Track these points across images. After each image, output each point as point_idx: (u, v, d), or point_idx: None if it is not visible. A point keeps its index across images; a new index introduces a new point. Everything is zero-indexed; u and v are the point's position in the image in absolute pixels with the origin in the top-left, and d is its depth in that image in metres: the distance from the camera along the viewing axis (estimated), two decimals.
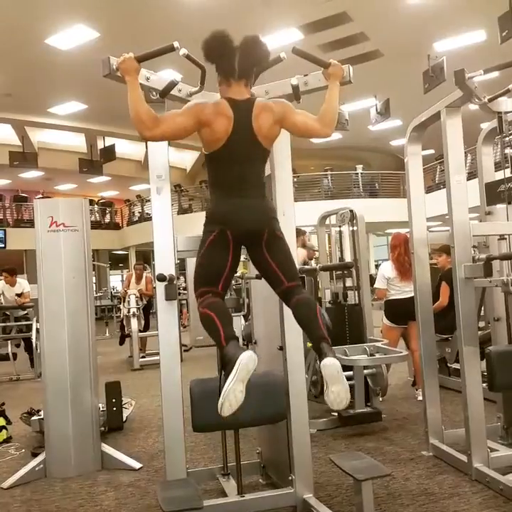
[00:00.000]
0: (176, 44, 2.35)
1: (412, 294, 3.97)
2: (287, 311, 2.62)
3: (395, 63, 12.35)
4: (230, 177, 2.40)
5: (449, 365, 5.47)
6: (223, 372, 2.12)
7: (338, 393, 2.12)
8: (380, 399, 4.72)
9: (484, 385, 3.24)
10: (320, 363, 2.17)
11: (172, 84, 2.65)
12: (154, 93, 2.69)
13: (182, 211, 19.48)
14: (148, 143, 2.73)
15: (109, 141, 16.09)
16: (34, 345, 7.29)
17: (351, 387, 4.44)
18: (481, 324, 5.21)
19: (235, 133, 2.34)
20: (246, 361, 2.04)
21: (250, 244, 2.44)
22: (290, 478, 2.89)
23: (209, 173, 2.48)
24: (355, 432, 4.27)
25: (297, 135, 2.56)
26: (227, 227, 2.35)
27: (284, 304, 2.61)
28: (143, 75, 2.55)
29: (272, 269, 2.42)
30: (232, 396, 2.02)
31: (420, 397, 4.50)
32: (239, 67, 2.40)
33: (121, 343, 9.35)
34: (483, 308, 5.19)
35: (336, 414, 4.47)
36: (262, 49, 2.44)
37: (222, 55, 2.38)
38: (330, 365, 2.12)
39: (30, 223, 16.51)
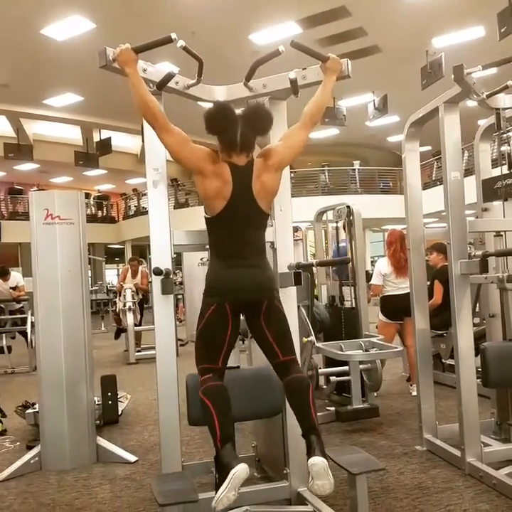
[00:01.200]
0: (173, 35, 2.34)
1: (408, 291, 3.98)
2: (285, 308, 2.61)
3: (393, 59, 12.32)
4: (230, 243, 2.42)
5: (443, 361, 5.49)
6: (217, 475, 2.24)
7: (322, 486, 2.21)
8: (375, 394, 4.74)
9: (478, 381, 3.26)
10: (308, 456, 2.24)
11: (169, 77, 2.64)
12: (151, 85, 2.67)
13: (178, 206, 19.44)
14: (146, 135, 2.73)
15: (105, 134, 16.00)
16: (29, 338, 7.28)
17: (348, 383, 4.46)
18: (476, 320, 5.22)
19: (235, 198, 2.36)
20: (239, 474, 2.15)
21: (248, 314, 2.47)
22: (285, 471, 2.90)
23: (210, 239, 2.52)
24: (350, 426, 4.29)
25: (299, 153, 2.58)
26: (226, 299, 2.38)
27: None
28: (140, 66, 2.53)
29: (268, 341, 2.44)
30: (225, 500, 2.15)
31: (415, 393, 4.52)
32: (241, 140, 2.38)
33: (117, 337, 9.35)
34: (478, 305, 5.21)
35: (331, 409, 4.49)
36: (266, 120, 2.43)
37: (224, 129, 2.37)
38: (317, 463, 2.19)
39: (25, 216, 16.55)
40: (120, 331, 9.18)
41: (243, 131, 2.37)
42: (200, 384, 2.39)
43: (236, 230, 2.40)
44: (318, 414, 4.40)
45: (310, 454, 2.23)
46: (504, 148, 3.82)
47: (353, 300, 5.05)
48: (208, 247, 2.59)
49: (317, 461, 2.19)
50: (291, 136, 2.55)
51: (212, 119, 2.36)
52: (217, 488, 2.19)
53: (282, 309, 2.50)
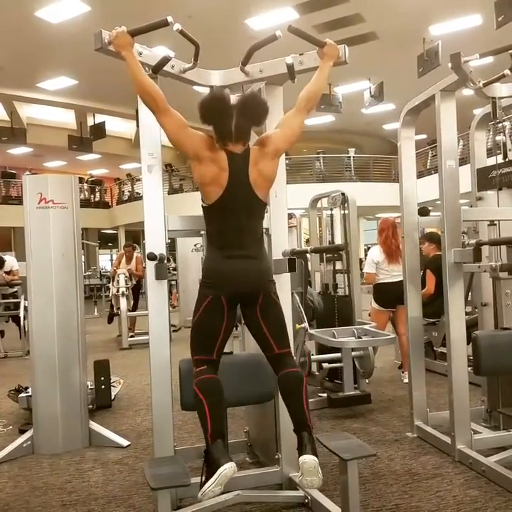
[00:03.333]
0: (169, 19, 2.31)
1: (401, 278, 4.00)
2: (279, 295, 2.61)
3: (390, 46, 12.25)
4: (227, 232, 2.40)
5: (435, 348, 5.53)
6: (205, 469, 2.28)
7: (311, 482, 2.24)
8: (367, 381, 4.78)
9: (469, 369, 3.28)
10: (299, 453, 2.26)
11: (165, 60, 2.61)
12: (147, 69, 2.64)
13: (173, 191, 19.36)
14: (140, 119, 2.71)
15: (99, 118, 15.87)
16: (22, 323, 7.26)
17: (340, 369, 4.49)
18: (468, 309, 5.26)
19: (231, 185, 2.34)
20: (226, 472, 2.16)
21: (244, 305, 2.46)
22: (276, 456, 2.93)
23: (207, 227, 2.50)
24: (342, 413, 4.32)
25: (296, 141, 2.57)
26: (222, 292, 2.37)
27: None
28: (135, 49, 2.49)
29: (264, 333, 2.44)
30: (211, 494, 2.18)
31: (406, 380, 4.55)
32: (236, 130, 2.35)
33: (110, 321, 9.36)
34: (470, 293, 5.24)
35: (323, 395, 4.52)
36: (261, 109, 2.41)
37: (219, 119, 2.34)
38: (308, 461, 2.22)
39: (19, 200, 16.44)
40: (113, 315, 9.18)
41: (238, 120, 2.34)
42: (194, 376, 2.39)
43: (233, 218, 2.39)
44: (310, 400, 4.45)
45: (301, 451, 2.25)
46: (499, 137, 3.82)
47: (346, 288, 5.07)
48: (202, 233, 2.57)
49: (308, 459, 2.21)
50: (287, 123, 2.53)
51: (207, 109, 2.34)
52: (204, 479, 2.22)
53: (278, 302, 2.49)
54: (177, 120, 2.38)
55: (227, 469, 2.16)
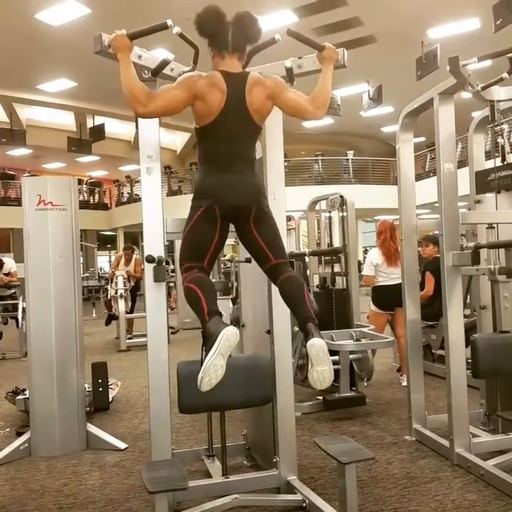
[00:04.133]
0: (169, 22, 2.31)
1: (400, 281, 4.00)
2: (275, 295, 2.62)
3: (388, 49, 12.27)
4: (221, 151, 2.37)
5: (434, 351, 5.53)
6: (204, 347, 2.11)
7: (321, 373, 2.14)
8: (365, 384, 4.77)
9: (468, 372, 3.28)
10: (306, 342, 2.18)
11: (164, 63, 2.61)
12: (146, 72, 2.65)
13: (171, 193, 19.36)
14: (139, 121, 2.70)
15: (98, 120, 15.86)
16: (20, 324, 7.25)
17: (337, 371, 4.49)
18: (467, 312, 5.26)
19: (228, 106, 2.32)
20: (228, 336, 2.03)
21: (238, 220, 2.43)
22: (274, 460, 2.91)
23: (199, 147, 2.46)
24: (340, 416, 4.31)
25: (288, 113, 2.53)
26: (215, 202, 2.34)
27: (273, 287, 2.60)
28: (135, 52, 2.50)
29: (260, 245, 2.41)
30: (212, 370, 2.01)
31: (404, 383, 4.54)
32: (232, 40, 2.38)
33: (107, 323, 9.35)
34: (469, 296, 5.24)
35: (320, 398, 4.52)
36: (255, 24, 2.43)
37: (215, 29, 2.36)
38: (316, 344, 2.14)
39: (17, 202, 16.41)
40: (111, 317, 9.16)
41: (234, 32, 2.37)
42: (183, 278, 2.32)
43: (227, 137, 2.36)
44: (307, 403, 4.45)
45: (308, 338, 2.18)
46: (498, 140, 3.82)
47: (344, 281, 5.06)
48: (198, 157, 2.52)
49: (316, 341, 2.14)
50: (299, 94, 2.47)
51: (204, 20, 2.36)
52: (202, 362, 2.05)
53: (272, 215, 2.47)
54: (164, 96, 2.32)
55: (229, 332, 2.03)
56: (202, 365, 2.04)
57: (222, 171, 2.37)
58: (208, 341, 2.08)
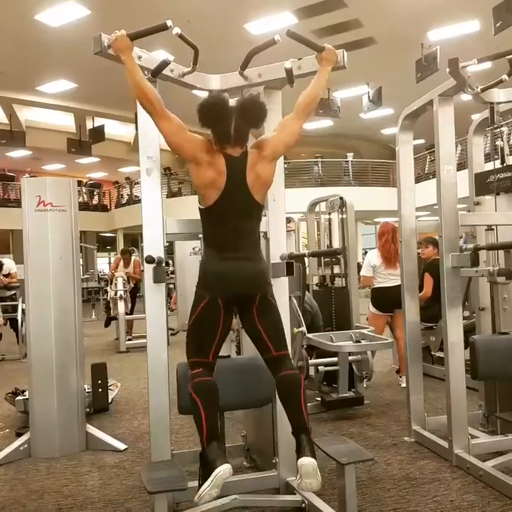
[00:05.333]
0: (169, 23, 2.32)
1: (399, 282, 4.00)
2: (276, 299, 2.62)
3: (388, 51, 12.29)
4: (224, 235, 2.41)
5: (433, 353, 5.53)
6: (201, 472, 2.26)
7: (310, 484, 2.24)
8: (365, 385, 4.78)
9: (467, 374, 3.28)
10: (298, 456, 2.26)
11: (164, 64, 2.61)
12: (146, 72, 2.65)
13: (171, 195, 19.36)
14: (139, 123, 2.71)
15: (98, 121, 15.86)
16: (20, 325, 7.25)
17: (336, 372, 4.49)
18: (466, 314, 5.26)
19: (229, 188, 2.35)
20: (222, 475, 2.17)
21: (241, 307, 2.46)
22: (274, 461, 2.92)
23: (203, 228, 2.50)
24: (339, 417, 4.32)
25: (293, 144, 2.56)
26: (218, 293, 2.37)
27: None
28: (135, 53, 2.50)
29: (261, 335, 2.43)
30: (207, 497, 2.18)
31: (404, 384, 4.55)
32: (235, 133, 2.36)
33: (107, 325, 9.34)
34: (468, 298, 5.25)
35: (319, 399, 4.52)
36: (260, 112, 2.41)
37: (217, 121, 2.35)
38: (307, 464, 2.21)
39: (17, 203, 16.37)
40: (110, 319, 9.16)
41: (237, 123, 2.35)
42: (190, 378, 2.39)
43: (230, 221, 2.39)
44: (308, 404, 4.44)
45: (300, 453, 2.25)
46: (497, 142, 3.83)
47: (343, 283, 5.07)
48: (200, 236, 2.57)
49: (306, 461, 2.21)
50: (285, 127, 2.54)
51: (206, 111, 2.34)
52: (200, 481, 2.22)
53: (275, 304, 2.49)
54: (175, 124, 2.38)
55: (222, 471, 2.16)
56: (199, 487, 2.20)
57: (225, 257, 2.39)
58: (204, 468, 2.24)
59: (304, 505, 2.71)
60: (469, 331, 3.93)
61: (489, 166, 3.76)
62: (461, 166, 7.62)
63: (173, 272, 11.57)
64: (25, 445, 3.67)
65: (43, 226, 3.73)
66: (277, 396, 2.46)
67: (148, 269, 2.72)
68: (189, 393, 2.34)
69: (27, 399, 3.97)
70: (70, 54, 11.63)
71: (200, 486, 2.20)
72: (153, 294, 2.76)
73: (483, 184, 3.79)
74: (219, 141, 2.38)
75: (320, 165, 19.11)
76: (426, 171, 17.07)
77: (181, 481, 2.29)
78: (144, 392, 5.07)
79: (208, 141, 2.40)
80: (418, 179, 15.33)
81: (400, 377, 5.21)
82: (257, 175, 2.41)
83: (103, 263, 23.29)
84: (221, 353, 2.52)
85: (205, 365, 2.40)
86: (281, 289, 2.89)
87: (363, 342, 4.33)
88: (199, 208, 2.46)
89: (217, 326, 2.40)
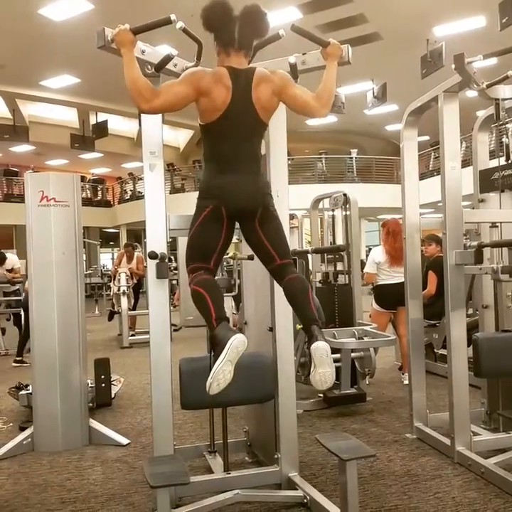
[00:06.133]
0: (172, 17, 2.30)
1: (402, 280, 3.99)
2: (278, 293, 2.62)
3: (393, 47, 12.24)
4: (226, 150, 2.35)
5: (435, 350, 5.53)
6: (213, 353, 2.14)
7: (324, 375, 2.16)
8: (367, 382, 4.78)
9: (470, 372, 3.28)
10: (310, 345, 2.19)
11: (168, 59, 2.61)
12: (149, 67, 2.64)
13: (174, 190, 19.36)
14: (143, 118, 2.70)
15: (101, 116, 15.89)
16: (23, 321, 7.27)
17: (338, 369, 4.50)
18: (469, 311, 5.25)
19: (233, 103, 2.29)
20: (236, 344, 2.06)
21: (243, 220, 2.42)
22: (276, 456, 2.92)
23: (204, 145, 2.44)
24: (341, 413, 4.32)
25: (294, 109, 2.50)
26: (221, 202, 2.32)
27: (275, 284, 2.60)
28: (138, 48, 2.50)
29: (265, 245, 2.40)
30: (221, 376, 2.06)
31: (406, 381, 4.54)
32: (239, 36, 2.33)
33: (110, 318, 9.36)
34: (471, 295, 5.24)
35: (322, 395, 4.52)
36: (263, 20, 2.38)
37: (222, 24, 2.31)
38: (321, 347, 2.15)
39: (20, 198, 16.44)
40: (113, 313, 9.18)
41: (241, 27, 2.33)
42: (190, 280, 2.32)
43: (233, 135, 2.35)
44: (310, 400, 4.45)
45: (312, 340, 2.19)
46: (503, 139, 3.82)
47: (347, 279, 5.06)
48: (203, 154, 2.51)
49: (320, 344, 2.15)
50: (305, 91, 2.44)
51: (210, 14, 2.31)
52: (212, 364, 2.10)
53: (277, 215, 2.47)
54: (168, 91, 2.29)
55: (237, 339, 2.07)
56: (210, 369, 2.07)
57: (228, 171, 2.35)
58: (216, 347, 2.11)
59: (305, 500, 2.72)
60: (472, 328, 3.92)
61: (494, 163, 3.74)
62: (465, 162, 7.60)
63: (176, 268, 11.56)
64: (29, 439, 3.68)
65: (46, 221, 3.74)
66: (286, 299, 2.39)
67: (152, 265, 2.72)
68: (192, 290, 2.27)
69: (30, 393, 3.99)
70: (73, 49, 11.61)
71: (211, 367, 2.08)
72: (157, 290, 2.76)
73: (487, 181, 3.77)
74: (223, 45, 2.35)
75: (324, 161, 19.06)
76: (430, 168, 17.00)
77: (184, 475, 2.30)
78: (146, 388, 5.07)
79: (202, 71, 2.33)
80: (422, 176, 15.28)
81: (403, 374, 5.21)
82: (262, 94, 2.34)
83: (106, 259, 23.35)
84: None
85: (206, 269, 2.34)
86: None
87: (366, 339, 4.33)
88: (200, 124, 2.39)
89: (220, 234, 2.36)
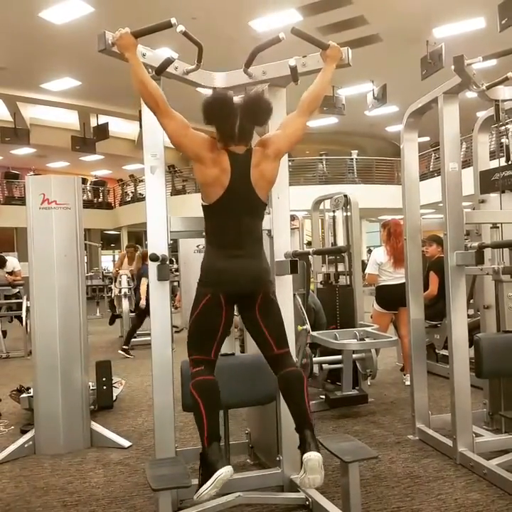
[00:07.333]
0: (173, 20, 2.32)
1: (403, 280, 3.99)
2: (280, 294, 2.62)
3: (393, 48, 12.25)
4: (227, 232, 2.40)
5: (437, 351, 5.52)
6: (201, 471, 2.27)
7: (313, 480, 2.23)
8: (369, 383, 4.77)
9: (472, 372, 3.27)
10: (302, 451, 2.25)
11: (168, 62, 2.61)
12: (150, 70, 2.65)
13: (175, 192, 19.37)
14: (144, 120, 2.71)
15: (102, 119, 15.90)
16: (24, 323, 7.27)
17: (340, 370, 4.50)
18: (470, 312, 5.25)
19: (233, 186, 2.34)
20: (223, 476, 2.17)
21: (243, 305, 2.46)
22: (278, 458, 2.92)
23: (206, 225, 2.50)
24: (343, 414, 4.32)
25: (298, 141, 2.56)
26: (221, 290, 2.37)
27: (275, 284, 2.61)
28: (139, 51, 2.50)
29: (263, 333, 2.43)
30: (206, 496, 2.21)
31: (408, 382, 4.54)
32: (239, 131, 2.36)
33: (111, 323, 9.35)
34: (473, 296, 5.23)
35: (324, 397, 4.52)
36: (265, 111, 2.41)
37: (222, 120, 2.34)
38: (313, 459, 2.21)
39: (21, 201, 16.46)
40: (115, 316, 9.17)
41: (242, 121, 2.34)
42: (191, 376, 2.39)
43: (233, 218, 2.39)
44: (312, 402, 4.44)
45: (304, 448, 2.24)
46: (503, 140, 3.82)
47: (348, 281, 5.05)
48: (204, 234, 2.57)
49: (313, 456, 2.20)
50: (289, 124, 2.53)
51: (210, 109, 2.34)
52: (200, 481, 2.23)
53: (277, 302, 2.49)
54: (178, 121, 2.38)
55: (224, 473, 2.17)
56: (199, 486, 2.21)
57: (228, 254, 2.39)
58: (204, 465, 2.25)
59: (307, 502, 2.71)
60: (474, 329, 3.92)
61: (494, 164, 3.74)
62: (466, 163, 7.60)
63: (177, 270, 11.57)
64: (30, 442, 3.68)
65: (48, 224, 3.74)
66: (280, 393, 2.46)
67: (153, 267, 2.72)
68: (190, 392, 2.34)
69: (32, 396, 3.98)
70: (74, 51, 11.64)
71: (200, 485, 2.21)
72: (158, 292, 2.76)
73: (488, 182, 3.77)
74: (223, 138, 2.37)
75: (324, 162, 19.08)
76: (431, 169, 17.00)
77: (185, 478, 2.30)
78: (148, 390, 5.08)
79: (212, 139, 2.40)
80: (423, 177, 15.29)
81: (404, 375, 5.20)
82: (261, 173, 2.41)
83: (107, 261, 23.35)
84: (225, 351, 2.52)
85: (207, 362, 2.40)
86: (285, 286, 2.89)
87: (367, 340, 4.32)
88: (202, 204, 2.46)
89: (219, 324, 2.40)
